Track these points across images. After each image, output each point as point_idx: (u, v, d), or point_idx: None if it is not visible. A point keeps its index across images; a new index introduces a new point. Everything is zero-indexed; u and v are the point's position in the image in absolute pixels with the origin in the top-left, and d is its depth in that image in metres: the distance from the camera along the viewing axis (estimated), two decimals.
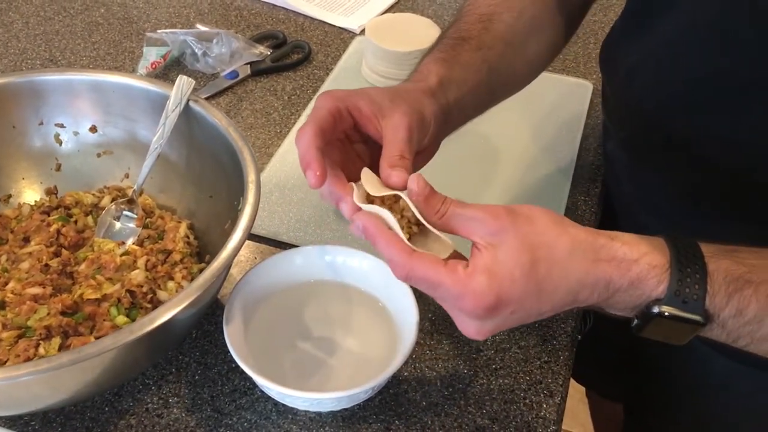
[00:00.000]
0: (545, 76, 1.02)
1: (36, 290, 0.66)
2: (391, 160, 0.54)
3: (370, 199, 0.55)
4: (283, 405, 0.64)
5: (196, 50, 1.02)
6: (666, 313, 0.49)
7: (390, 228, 0.52)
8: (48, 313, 0.64)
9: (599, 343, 0.92)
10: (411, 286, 0.64)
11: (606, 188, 0.87)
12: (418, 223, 0.52)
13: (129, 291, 0.66)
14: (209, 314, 0.71)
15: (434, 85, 0.62)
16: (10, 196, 0.78)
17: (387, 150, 0.55)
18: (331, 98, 0.57)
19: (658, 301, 0.49)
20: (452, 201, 0.51)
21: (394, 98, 0.58)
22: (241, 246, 0.60)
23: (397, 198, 0.54)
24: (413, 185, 0.51)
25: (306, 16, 1.15)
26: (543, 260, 0.49)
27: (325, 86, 1.00)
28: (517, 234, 0.49)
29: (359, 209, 0.53)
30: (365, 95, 0.58)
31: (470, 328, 0.51)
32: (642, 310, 0.50)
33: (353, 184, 0.55)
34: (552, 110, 0.97)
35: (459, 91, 0.64)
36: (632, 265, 0.49)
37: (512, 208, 0.50)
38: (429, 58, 0.66)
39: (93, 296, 0.65)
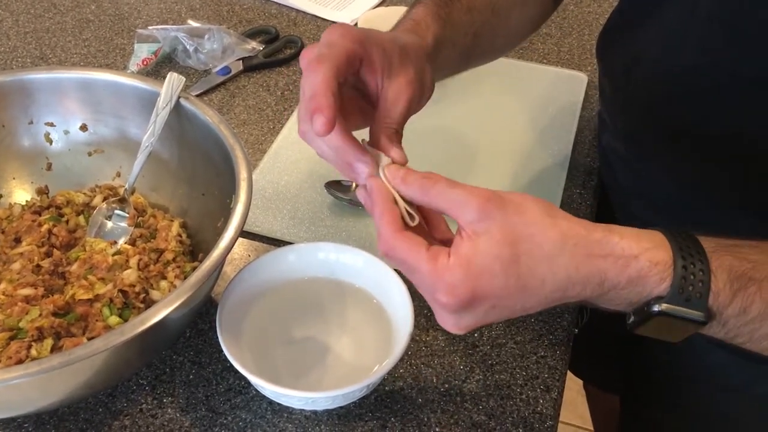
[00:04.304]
0: (539, 68, 1.02)
1: (27, 291, 0.65)
2: (387, 132, 0.53)
3: None
4: (279, 404, 0.64)
5: (188, 46, 1.01)
6: (668, 312, 0.47)
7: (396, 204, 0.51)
8: (40, 314, 0.63)
9: (596, 336, 0.91)
10: (405, 282, 0.63)
11: (601, 181, 0.86)
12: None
13: (121, 291, 0.65)
14: (203, 313, 0.71)
15: (431, 45, 0.61)
16: (0, 196, 0.77)
17: (385, 117, 0.54)
18: (351, 39, 0.53)
19: (659, 299, 0.47)
20: (441, 178, 0.49)
21: (403, 58, 0.56)
22: (233, 244, 0.60)
23: None
24: (389, 171, 0.51)
25: (298, 11, 1.14)
26: (526, 254, 0.47)
27: None
28: (503, 224, 0.47)
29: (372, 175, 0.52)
30: (380, 47, 0.54)
31: (447, 321, 0.49)
32: (641, 307, 0.48)
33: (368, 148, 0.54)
34: (546, 103, 0.96)
35: (448, 55, 0.63)
36: (631, 262, 0.47)
37: (503, 195, 0.49)
38: (424, 10, 0.64)
39: (85, 296, 0.65)
